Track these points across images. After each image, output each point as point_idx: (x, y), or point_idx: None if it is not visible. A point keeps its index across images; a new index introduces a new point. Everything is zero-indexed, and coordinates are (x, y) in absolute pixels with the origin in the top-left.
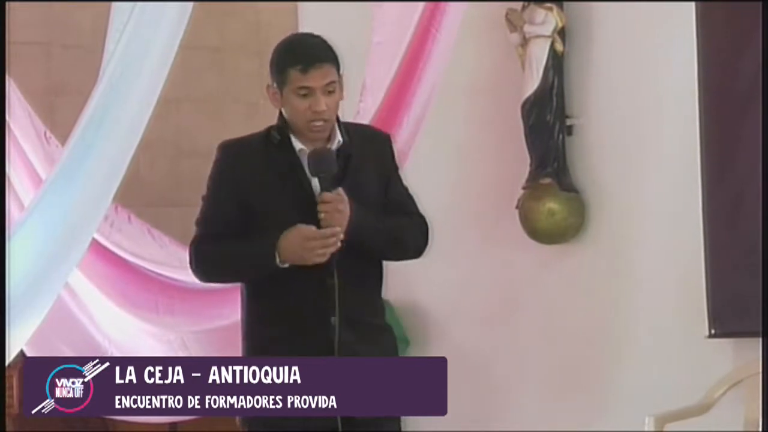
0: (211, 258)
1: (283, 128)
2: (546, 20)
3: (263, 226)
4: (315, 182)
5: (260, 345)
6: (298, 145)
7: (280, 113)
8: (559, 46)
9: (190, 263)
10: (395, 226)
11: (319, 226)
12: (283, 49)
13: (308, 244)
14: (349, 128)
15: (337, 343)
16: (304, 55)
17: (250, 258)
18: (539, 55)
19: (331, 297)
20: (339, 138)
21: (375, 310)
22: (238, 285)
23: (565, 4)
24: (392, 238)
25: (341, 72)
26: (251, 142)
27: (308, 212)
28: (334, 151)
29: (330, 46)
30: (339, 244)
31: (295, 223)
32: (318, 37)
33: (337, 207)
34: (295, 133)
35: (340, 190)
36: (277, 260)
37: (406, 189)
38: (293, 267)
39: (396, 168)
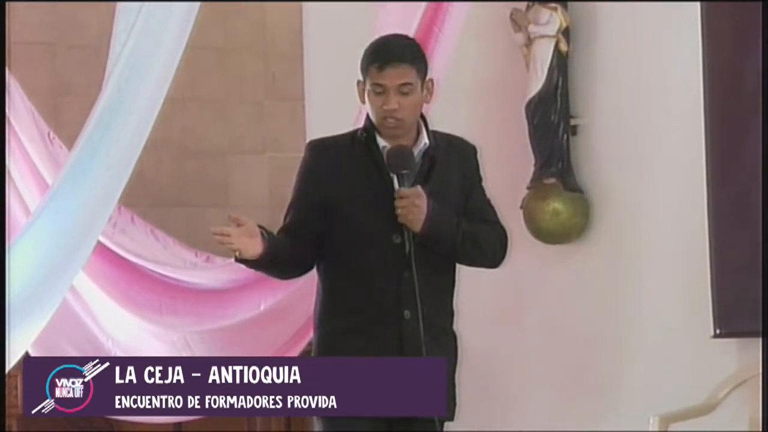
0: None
1: (370, 127)
2: (550, 20)
3: (343, 221)
4: (396, 180)
5: (332, 334)
6: (382, 142)
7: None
8: (563, 46)
9: None
10: (474, 230)
11: (394, 223)
12: (369, 47)
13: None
14: (437, 134)
15: (406, 338)
16: (382, 54)
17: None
18: (544, 55)
19: (407, 291)
20: (425, 140)
21: (446, 314)
22: (239, 285)
23: (570, 4)
24: (470, 241)
25: (427, 76)
26: (338, 140)
27: (387, 208)
28: (412, 150)
29: (414, 49)
30: None
31: (376, 216)
32: (407, 38)
33: (414, 202)
34: (377, 131)
35: (419, 187)
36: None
37: (488, 199)
38: (371, 258)
39: (480, 179)
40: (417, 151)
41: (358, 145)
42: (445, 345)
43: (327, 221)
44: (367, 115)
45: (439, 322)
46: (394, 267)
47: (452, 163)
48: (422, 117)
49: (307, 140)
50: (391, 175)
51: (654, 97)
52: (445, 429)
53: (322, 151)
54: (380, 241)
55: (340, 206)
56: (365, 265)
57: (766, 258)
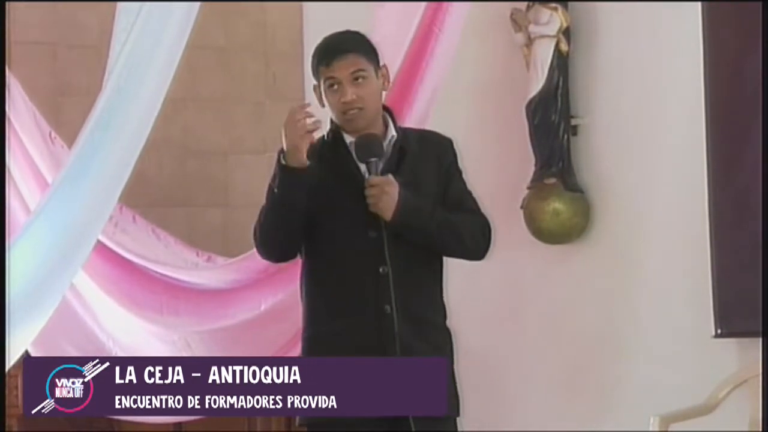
0: (258, 223)
1: (334, 126)
2: (551, 20)
3: (320, 222)
4: (366, 172)
5: (317, 335)
6: (348, 138)
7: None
8: (563, 46)
9: (257, 248)
10: (451, 218)
11: (369, 217)
12: (315, 50)
13: (291, 119)
14: (407, 129)
15: (388, 334)
16: (326, 49)
17: (270, 187)
18: (544, 55)
19: (386, 286)
20: (393, 133)
21: (434, 308)
22: (240, 285)
23: (570, 4)
24: (447, 230)
25: (381, 62)
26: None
27: (360, 203)
28: (379, 137)
29: (358, 38)
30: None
31: (349, 211)
32: (350, 32)
33: (384, 189)
34: (341, 128)
35: (389, 175)
36: (282, 161)
37: (468, 190)
38: (346, 256)
39: (459, 170)
40: (386, 143)
41: (325, 145)
42: (436, 341)
43: (307, 227)
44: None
45: (428, 317)
46: (372, 262)
47: (425, 154)
48: (388, 110)
49: None
50: (362, 168)
51: (654, 97)
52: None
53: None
54: (355, 237)
55: (316, 209)
56: (343, 263)
57: (766, 258)
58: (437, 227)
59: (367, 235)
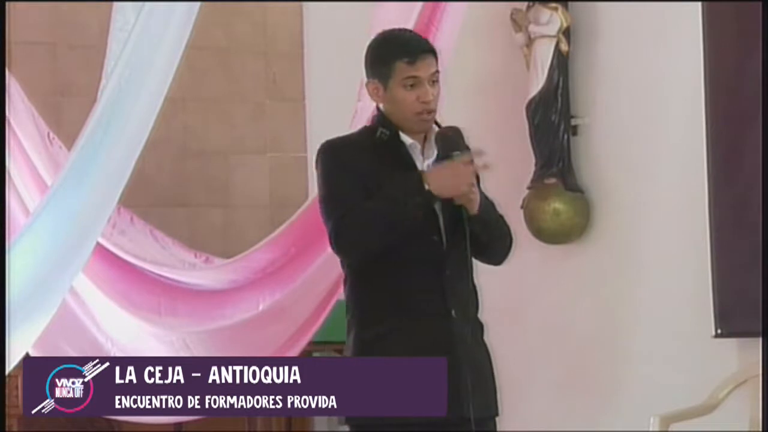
0: (356, 221)
1: (389, 124)
2: (551, 20)
3: None
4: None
5: (378, 335)
6: (407, 140)
7: (378, 111)
8: (564, 46)
9: (336, 242)
10: (502, 222)
11: (431, 221)
12: (386, 43)
13: (459, 170)
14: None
15: (456, 337)
16: (411, 46)
17: (397, 199)
18: (544, 55)
19: (450, 289)
20: (435, 128)
21: (477, 306)
22: (238, 286)
23: (570, 3)
24: (499, 230)
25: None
26: (356, 140)
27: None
28: (461, 131)
29: (428, 40)
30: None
31: None
32: (412, 31)
33: (474, 180)
34: (400, 128)
35: None
36: (426, 187)
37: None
38: (411, 260)
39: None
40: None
41: (379, 144)
42: (484, 342)
43: None
44: (379, 114)
45: (479, 319)
46: (436, 266)
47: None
48: None
49: (308, 140)
50: (423, 168)
51: (655, 97)
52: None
53: (346, 149)
54: (420, 241)
55: None
56: (408, 267)
57: (766, 258)
58: (496, 225)
59: (430, 239)
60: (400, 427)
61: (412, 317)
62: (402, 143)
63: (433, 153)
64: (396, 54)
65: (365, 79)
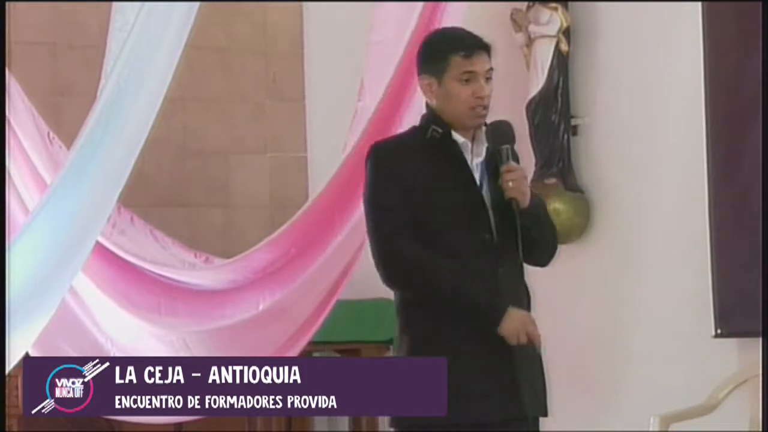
0: (424, 271)
1: (441, 123)
2: (551, 20)
3: (434, 222)
4: (478, 176)
5: (435, 334)
6: (460, 138)
7: (429, 109)
8: (564, 46)
9: (386, 263)
10: (550, 221)
11: (483, 219)
12: (441, 39)
13: (529, 329)
14: None
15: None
16: (467, 41)
17: (474, 304)
18: (544, 55)
19: (504, 287)
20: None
21: (529, 304)
22: (238, 286)
23: (570, 3)
24: (549, 224)
25: None
26: (407, 141)
27: (472, 206)
28: (510, 124)
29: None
30: None
31: (465, 214)
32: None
33: (524, 174)
34: (452, 125)
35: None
36: (497, 325)
37: None
38: (468, 257)
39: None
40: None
41: (431, 143)
42: None
43: (415, 220)
44: (429, 111)
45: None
46: (490, 264)
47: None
48: None
49: (308, 140)
50: (473, 173)
51: (655, 97)
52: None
53: (395, 151)
54: (474, 239)
55: (427, 207)
56: (463, 265)
57: (766, 258)
58: (546, 221)
59: (483, 237)
60: (449, 428)
61: (468, 315)
62: (454, 142)
63: (483, 151)
64: (452, 48)
65: (363, 81)
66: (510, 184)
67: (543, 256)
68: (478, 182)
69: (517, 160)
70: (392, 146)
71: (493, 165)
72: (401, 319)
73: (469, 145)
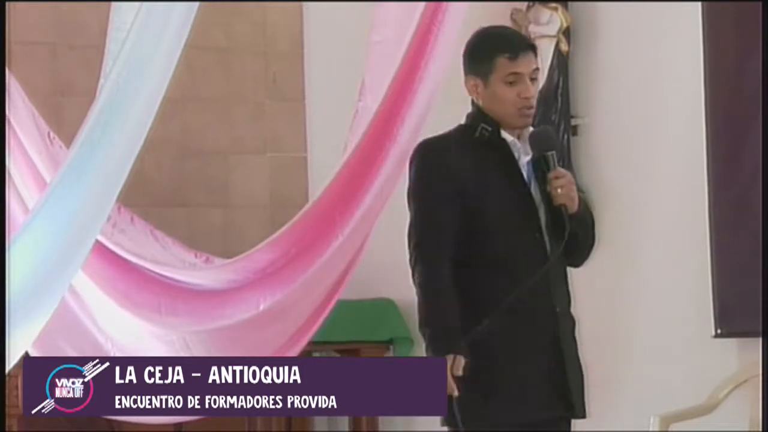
0: (426, 297)
1: (490, 121)
2: (551, 20)
3: (485, 220)
4: (526, 175)
5: (485, 334)
6: (508, 137)
7: (476, 108)
8: (564, 46)
9: (412, 274)
10: (591, 218)
11: (532, 217)
12: (487, 39)
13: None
14: None
15: (562, 333)
16: (512, 42)
17: (428, 331)
18: (544, 55)
19: (554, 285)
20: (531, 129)
21: (570, 301)
22: (238, 285)
23: (570, 3)
24: (593, 227)
25: None
26: (453, 139)
27: (525, 203)
28: (553, 131)
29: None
30: None
31: (515, 212)
32: (513, 29)
33: (571, 179)
34: (500, 124)
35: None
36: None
37: None
38: (517, 257)
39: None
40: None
41: (480, 141)
42: (575, 336)
43: (462, 220)
44: (477, 110)
45: (570, 313)
46: (540, 263)
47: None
48: None
49: (308, 140)
50: (521, 170)
51: (655, 97)
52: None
53: (444, 150)
54: (525, 238)
55: (476, 206)
56: (515, 264)
57: (766, 258)
58: (592, 225)
59: (533, 235)
60: (497, 427)
61: (520, 316)
62: (503, 140)
63: (530, 150)
64: (498, 50)
65: (364, 80)
66: (559, 190)
67: (581, 258)
68: (526, 181)
69: (562, 165)
70: (440, 144)
71: (539, 169)
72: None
73: (518, 143)
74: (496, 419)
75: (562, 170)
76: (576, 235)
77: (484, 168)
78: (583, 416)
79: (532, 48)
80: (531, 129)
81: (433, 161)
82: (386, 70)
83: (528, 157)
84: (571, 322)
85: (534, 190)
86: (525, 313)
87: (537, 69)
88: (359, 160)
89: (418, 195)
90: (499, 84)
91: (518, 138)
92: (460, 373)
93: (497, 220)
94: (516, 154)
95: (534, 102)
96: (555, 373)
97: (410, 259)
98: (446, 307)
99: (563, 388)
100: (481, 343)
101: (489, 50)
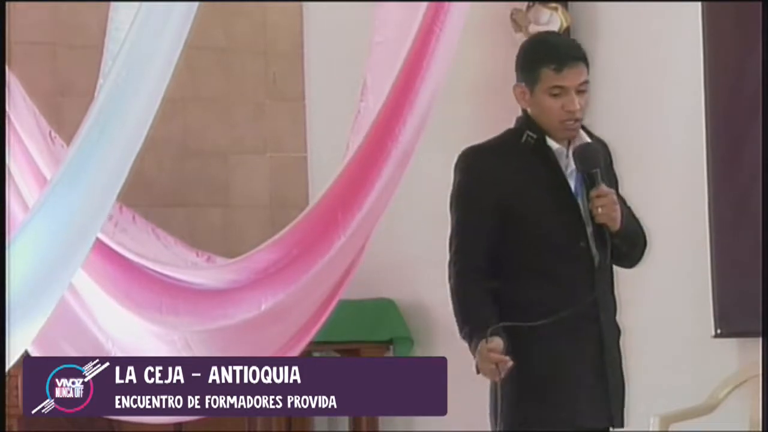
0: (460, 301)
1: (536, 129)
2: (551, 20)
3: (528, 228)
4: (573, 183)
5: (531, 342)
6: (554, 144)
7: (525, 114)
8: None
9: (449, 277)
10: (639, 227)
11: (578, 226)
12: (534, 48)
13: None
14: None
15: (606, 342)
16: (559, 53)
17: (467, 329)
18: None
19: (599, 294)
20: (586, 138)
21: (616, 310)
22: (240, 285)
23: (570, 3)
24: (638, 237)
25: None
26: (499, 145)
27: (569, 212)
28: (598, 148)
29: (582, 47)
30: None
31: (561, 221)
32: (571, 38)
33: (614, 199)
34: (546, 132)
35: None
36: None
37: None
38: (564, 266)
39: (616, 177)
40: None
41: (524, 148)
42: (619, 345)
43: (506, 228)
44: (525, 117)
45: (615, 322)
46: (586, 272)
47: (605, 159)
48: None
49: (308, 140)
50: (566, 178)
51: (655, 97)
52: (443, 428)
53: (488, 156)
54: (570, 246)
55: (522, 213)
56: (559, 272)
57: (766, 258)
58: (635, 235)
59: (578, 245)
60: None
61: (564, 323)
62: (549, 148)
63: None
64: (543, 61)
65: (365, 81)
66: (599, 210)
67: (630, 263)
68: (573, 189)
69: (612, 181)
70: (484, 151)
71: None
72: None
73: (564, 151)
74: (537, 428)
75: (604, 189)
76: (620, 248)
77: (528, 176)
78: (621, 426)
79: (582, 59)
80: (580, 140)
81: (476, 168)
82: (388, 70)
83: (574, 167)
84: (616, 331)
85: (581, 198)
86: (569, 321)
87: (585, 82)
88: (361, 160)
89: (460, 202)
90: (544, 95)
91: (569, 144)
92: (499, 352)
93: (541, 228)
94: (563, 163)
95: (580, 115)
96: (597, 383)
97: (449, 264)
98: (480, 306)
99: (604, 398)
100: (524, 352)
101: (535, 60)
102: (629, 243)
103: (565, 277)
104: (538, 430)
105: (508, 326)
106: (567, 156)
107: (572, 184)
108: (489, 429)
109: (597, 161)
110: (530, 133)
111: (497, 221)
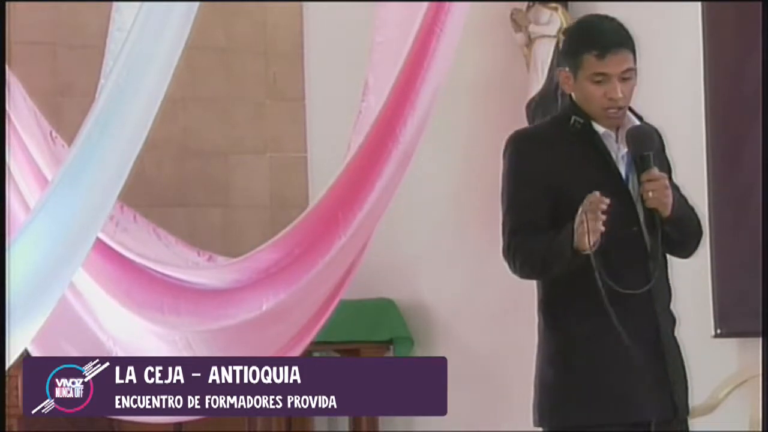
0: (522, 251)
1: (582, 113)
2: (551, 20)
3: (572, 215)
4: (624, 168)
5: (585, 335)
6: (600, 128)
7: (570, 99)
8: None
9: (509, 261)
10: (693, 214)
11: (629, 211)
12: (578, 33)
13: (592, 205)
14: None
15: (663, 333)
16: (601, 40)
17: (554, 246)
18: (544, 55)
19: (654, 281)
20: (635, 121)
21: (670, 299)
22: (241, 285)
23: (570, 3)
24: (692, 224)
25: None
26: (546, 130)
27: (619, 197)
28: (652, 130)
29: (627, 31)
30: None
31: (612, 214)
32: (614, 20)
33: (665, 184)
34: (591, 117)
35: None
36: (574, 243)
37: (676, 185)
38: (615, 252)
39: (669, 164)
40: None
41: (571, 133)
42: (674, 334)
43: (557, 213)
44: (571, 102)
45: (670, 311)
46: (640, 258)
47: (656, 147)
48: None
49: (308, 140)
50: (615, 162)
51: (654, 97)
52: (443, 428)
53: (536, 140)
54: (621, 232)
55: (572, 197)
56: (611, 260)
57: (766, 258)
58: (689, 223)
59: (631, 230)
60: (600, 428)
61: (620, 316)
62: (595, 132)
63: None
64: (585, 47)
65: (367, 81)
66: (650, 194)
67: (685, 252)
68: (624, 174)
69: (664, 167)
70: (534, 133)
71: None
72: (545, 318)
73: (613, 135)
74: (595, 421)
75: (655, 173)
76: (671, 235)
77: (576, 160)
78: (687, 415)
79: (627, 46)
80: (631, 123)
81: (525, 152)
82: (389, 70)
83: (625, 150)
84: (672, 319)
85: (632, 183)
86: (623, 312)
87: (629, 69)
88: (362, 160)
89: (509, 188)
90: (586, 82)
91: (618, 129)
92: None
93: None
94: (612, 147)
95: (623, 103)
96: (656, 373)
97: (504, 249)
98: (550, 237)
99: (665, 389)
100: (579, 344)
101: (578, 45)
102: (682, 231)
103: (618, 262)
104: (596, 424)
105: (564, 319)
106: (617, 141)
107: (622, 168)
108: (498, 429)
109: (650, 144)
110: (576, 118)
111: (550, 204)
